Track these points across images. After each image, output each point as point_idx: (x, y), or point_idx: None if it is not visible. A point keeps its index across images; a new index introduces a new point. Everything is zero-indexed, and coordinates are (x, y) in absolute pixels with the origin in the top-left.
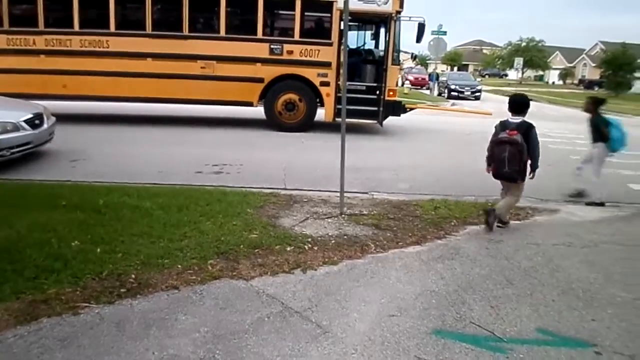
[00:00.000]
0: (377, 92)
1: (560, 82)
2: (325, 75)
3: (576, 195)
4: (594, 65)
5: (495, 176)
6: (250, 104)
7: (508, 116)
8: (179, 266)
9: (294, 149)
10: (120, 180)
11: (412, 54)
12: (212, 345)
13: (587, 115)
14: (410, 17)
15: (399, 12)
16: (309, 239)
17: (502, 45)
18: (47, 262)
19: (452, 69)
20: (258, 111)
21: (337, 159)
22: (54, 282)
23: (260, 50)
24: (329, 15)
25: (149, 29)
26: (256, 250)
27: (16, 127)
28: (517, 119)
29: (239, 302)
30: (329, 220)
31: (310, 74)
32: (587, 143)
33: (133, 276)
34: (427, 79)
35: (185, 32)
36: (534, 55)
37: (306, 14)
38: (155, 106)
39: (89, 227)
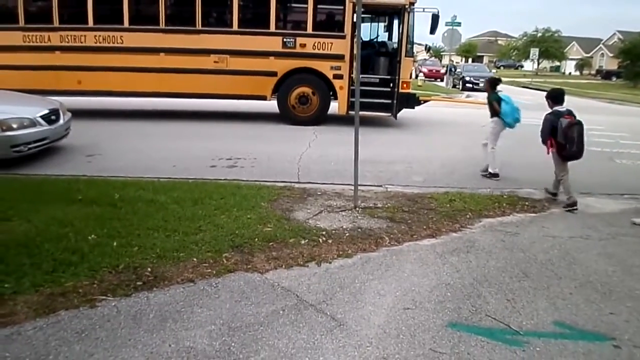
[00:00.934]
0: (391, 85)
1: (577, 73)
2: (339, 68)
3: (486, 171)
4: (611, 55)
5: (569, 157)
6: (263, 98)
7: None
8: (194, 259)
9: (307, 142)
10: (135, 174)
11: (426, 45)
12: (228, 337)
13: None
14: (424, 9)
15: (412, 4)
16: (323, 232)
17: (517, 36)
18: (65, 255)
19: (466, 61)
20: (271, 105)
21: (350, 152)
22: (72, 276)
23: (273, 43)
24: (341, 7)
25: (162, 24)
26: (270, 243)
27: (33, 123)
28: (563, 108)
29: (253, 294)
30: (343, 213)
31: (323, 67)
32: (603, 134)
33: (149, 269)
34: (441, 71)
35: (198, 26)
36: (550, 46)
37: (319, 6)
38: (168, 101)
39: (105, 221)
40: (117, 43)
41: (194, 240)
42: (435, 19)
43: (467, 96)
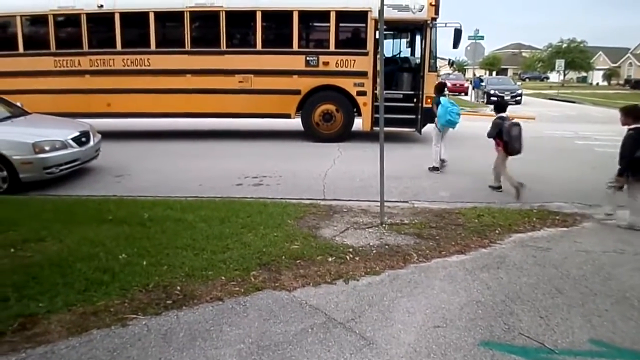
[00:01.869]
0: (415, 100)
1: (605, 83)
2: (362, 85)
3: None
4: None
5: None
6: (287, 116)
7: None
8: (223, 278)
9: (332, 159)
10: (163, 194)
11: (450, 60)
12: (257, 356)
13: None
14: (446, 23)
15: (434, 19)
16: (350, 249)
17: (542, 47)
18: (96, 275)
19: (490, 74)
20: (296, 123)
21: (375, 168)
22: (103, 295)
23: (297, 62)
24: (363, 25)
25: (187, 47)
26: (298, 261)
27: (64, 145)
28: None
29: (282, 313)
30: (370, 230)
31: (346, 84)
32: None
33: (178, 288)
34: (465, 85)
35: (223, 47)
36: (575, 57)
37: (341, 24)
38: (194, 121)
39: (135, 240)
40: (145, 66)
41: (222, 258)
42: (457, 33)
43: (492, 109)
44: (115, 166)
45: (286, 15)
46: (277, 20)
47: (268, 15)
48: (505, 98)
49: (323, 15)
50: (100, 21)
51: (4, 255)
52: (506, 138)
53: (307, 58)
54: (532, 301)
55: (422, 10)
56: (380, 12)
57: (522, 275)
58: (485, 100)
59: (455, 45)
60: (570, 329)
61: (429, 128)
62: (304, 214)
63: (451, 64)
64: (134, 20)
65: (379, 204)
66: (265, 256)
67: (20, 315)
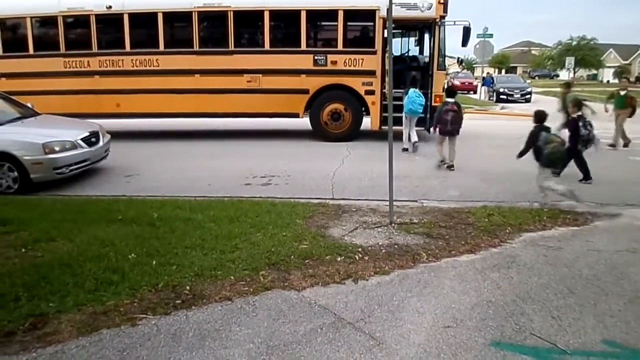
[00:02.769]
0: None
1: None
2: (370, 84)
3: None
4: None
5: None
6: (296, 115)
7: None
8: (232, 277)
9: (340, 158)
10: (172, 193)
11: (459, 58)
12: (266, 356)
13: None
14: (454, 22)
15: (442, 17)
16: (359, 249)
17: (551, 45)
18: (106, 274)
19: (499, 72)
20: (304, 122)
21: (384, 167)
22: (113, 294)
23: (305, 61)
24: (371, 24)
25: (196, 47)
26: (307, 260)
27: (74, 146)
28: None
29: (291, 312)
30: (379, 229)
31: (355, 83)
32: None
33: (188, 287)
34: (474, 83)
35: (231, 47)
36: (586, 54)
37: (349, 23)
38: (203, 121)
39: (144, 240)
40: (154, 66)
41: (230, 258)
42: (466, 31)
43: (502, 108)
44: (124, 166)
45: (294, 14)
46: (285, 20)
47: (276, 14)
48: (515, 96)
49: (331, 15)
50: (109, 22)
51: (15, 255)
52: (437, 120)
53: (315, 57)
54: (543, 301)
55: (430, 8)
56: (389, 10)
57: (533, 274)
58: (494, 99)
59: (464, 43)
60: (583, 329)
61: None
62: (312, 214)
63: (460, 62)
64: (143, 21)
65: (388, 203)
66: (274, 256)
67: (30, 314)
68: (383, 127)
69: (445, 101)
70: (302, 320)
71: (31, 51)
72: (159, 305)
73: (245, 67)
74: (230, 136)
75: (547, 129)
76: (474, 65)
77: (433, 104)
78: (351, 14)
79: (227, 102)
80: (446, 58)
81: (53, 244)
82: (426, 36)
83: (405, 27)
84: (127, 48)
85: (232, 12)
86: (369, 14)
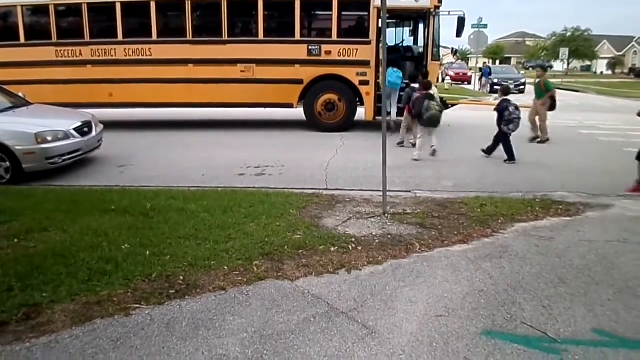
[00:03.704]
0: None
1: (609, 72)
2: (365, 74)
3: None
4: None
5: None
6: (290, 106)
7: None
8: (225, 267)
9: (334, 149)
10: (166, 184)
11: (453, 49)
12: (260, 345)
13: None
14: (449, 12)
15: (437, 7)
16: (353, 239)
17: (546, 36)
18: (99, 264)
19: (494, 63)
20: (298, 112)
21: (378, 157)
22: (106, 284)
23: (299, 51)
24: (366, 13)
25: (189, 36)
26: (300, 250)
27: (66, 135)
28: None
29: (284, 302)
30: (372, 219)
31: (349, 73)
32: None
33: (181, 278)
34: (468, 74)
35: (225, 37)
36: (580, 45)
37: (343, 13)
38: (196, 111)
39: (137, 230)
40: (146, 56)
41: (224, 248)
42: (461, 21)
43: (496, 99)
44: (117, 156)
45: (288, 4)
46: (279, 9)
47: (270, 4)
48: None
49: (325, 4)
50: (102, 11)
51: (8, 246)
52: (411, 105)
53: (310, 47)
54: (534, 291)
55: None
56: (383, 0)
57: (525, 264)
58: (488, 90)
59: (459, 34)
60: (573, 318)
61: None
62: (306, 204)
63: (454, 52)
64: (136, 10)
65: (381, 193)
66: (268, 246)
67: (24, 305)
68: (377, 118)
69: (413, 87)
70: (296, 309)
71: (22, 40)
72: (153, 295)
73: (239, 57)
74: (224, 126)
75: (432, 97)
76: (468, 56)
77: None
78: (346, 4)
79: (220, 92)
80: (440, 48)
81: (46, 234)
82: (421, 26)
83: (400, 17)
84: (120, 37)
85: (226, 1)
86: (364, 4)
